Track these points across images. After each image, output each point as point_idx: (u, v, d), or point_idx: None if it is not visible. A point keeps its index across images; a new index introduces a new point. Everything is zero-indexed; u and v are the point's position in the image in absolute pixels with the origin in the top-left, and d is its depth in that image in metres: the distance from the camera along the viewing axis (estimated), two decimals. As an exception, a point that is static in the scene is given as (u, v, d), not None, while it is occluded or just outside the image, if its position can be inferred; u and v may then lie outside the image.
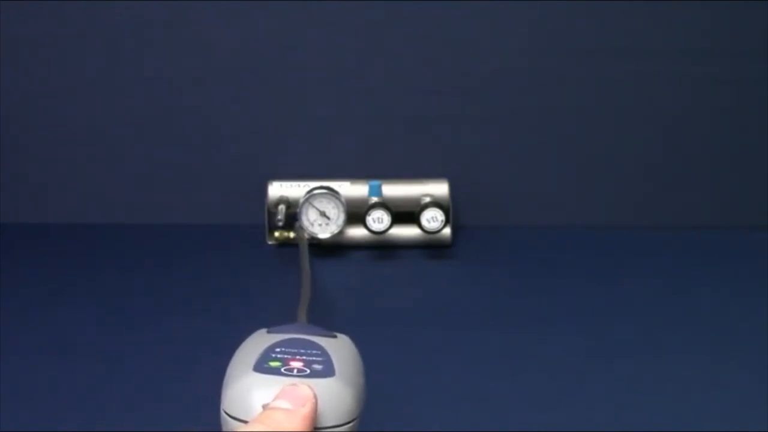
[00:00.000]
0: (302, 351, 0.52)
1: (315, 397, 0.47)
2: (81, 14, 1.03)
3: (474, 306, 0.90)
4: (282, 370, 0.49)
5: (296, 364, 0.50)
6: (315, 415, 0.47)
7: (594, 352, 0.81)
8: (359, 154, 1.06)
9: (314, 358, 0.51)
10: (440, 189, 1.00)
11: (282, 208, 0.98)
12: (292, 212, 0.99)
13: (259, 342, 0.54)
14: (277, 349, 0.52)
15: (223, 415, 0.50)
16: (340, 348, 0.55)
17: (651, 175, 1.07)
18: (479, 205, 1.06)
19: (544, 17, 1.03)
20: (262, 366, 0.50)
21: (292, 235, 1.00)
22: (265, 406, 0.47)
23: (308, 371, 0.49)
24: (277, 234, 1.00)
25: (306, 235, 0.97)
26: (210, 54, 1.04)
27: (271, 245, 1.01)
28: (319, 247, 1.00)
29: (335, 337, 0.57)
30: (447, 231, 0.99)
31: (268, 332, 0.56)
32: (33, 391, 0.74)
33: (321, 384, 0.48)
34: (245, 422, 0.48)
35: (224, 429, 0.50)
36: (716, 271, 0.97)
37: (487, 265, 0.99)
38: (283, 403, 0.46)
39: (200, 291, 0.92)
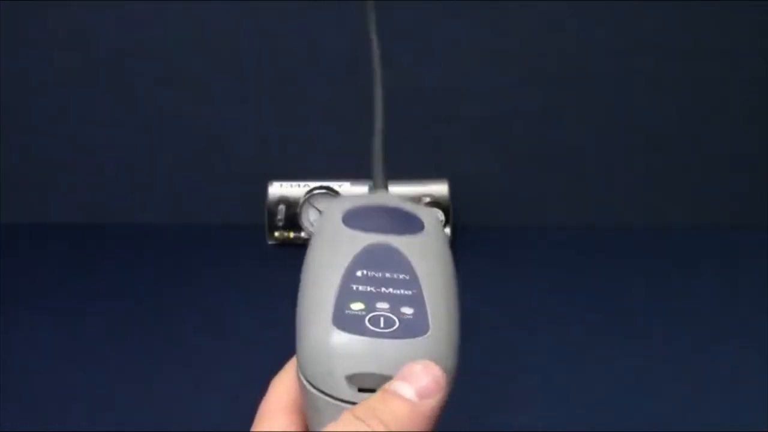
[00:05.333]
0: (387, 276, 0.42)
1: (447, 385, 0.36)
2: (82, 14, 1.03)
3: (474, 306, 0.90)
4: (367, 321, 0.39)
5: (382, 307, 0.39)
6: (441, 411, 0.36)
7: (593, 352, 0.81)
8: (359, 154, 1.06)
9: (403, 292, 0.41)
10: (440, 189, 1.00)
11: (282, 208, 0.98)
12: (292, 212, 0.99)
13: (337, 248, 0.44)
14: (359, 274, 0.41)
15: (303, 380, 0.39)
16: (429, 260, 0.43)
17: (650, 175, 1.07)
18: (479, 205, 1.06)
19: (542, 18, 1.03)
20: (343, 313, 0.39)
21: (291, 235, 1.00)
22: (360, 382, 0.36)
23: (397, 324, 0.39)
24: (277, 234, 1.00)
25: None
26: (211, 55, 1.04)
27: (271, 245, 1.01)
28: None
29: (422, 229, 0.46)
30: (447, 231, 0.99)
31: (344, 222, 0.46)
32: (33, 391, 0.74)
33: (412, 346, 0.38)
34: (330, 396, 0.37)
35: (308, 396, 0.39)
36: (716, 271, 0.97)
37: (487, 265, 0.99)
38: (407, 390, 0.35)
39: (200, 291, 0.92)
